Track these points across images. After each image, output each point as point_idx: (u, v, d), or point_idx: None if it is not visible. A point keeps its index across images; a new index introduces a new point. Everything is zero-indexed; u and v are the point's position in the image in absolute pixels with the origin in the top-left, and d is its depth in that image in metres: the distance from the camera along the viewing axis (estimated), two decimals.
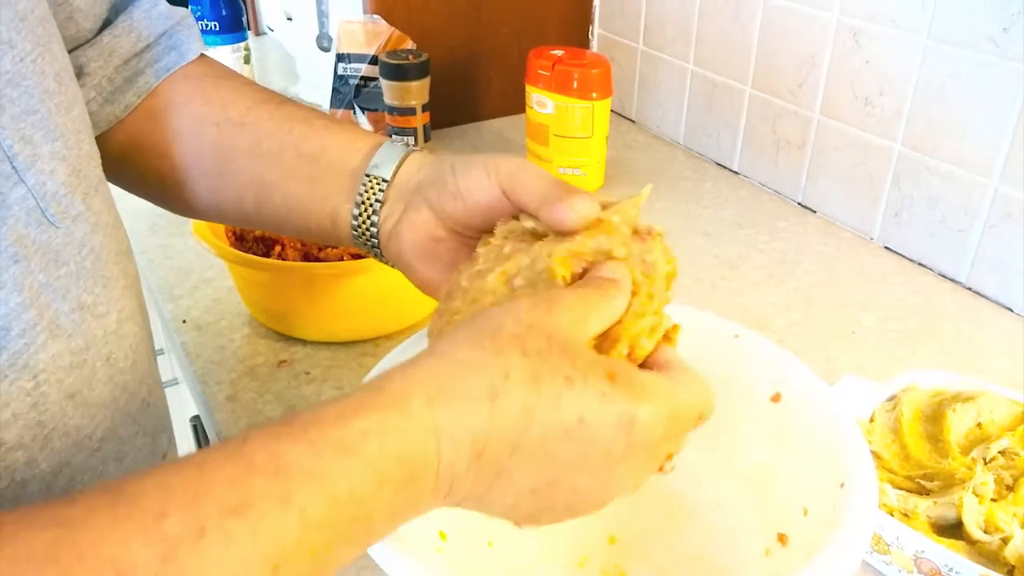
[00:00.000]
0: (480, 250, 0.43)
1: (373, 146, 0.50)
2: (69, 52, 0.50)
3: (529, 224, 0.43)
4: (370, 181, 0.48)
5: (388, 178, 0.48)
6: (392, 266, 0.50)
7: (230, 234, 0.78)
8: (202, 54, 0.56)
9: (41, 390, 0.37)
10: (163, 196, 0.57)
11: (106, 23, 0.52)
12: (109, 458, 0.42)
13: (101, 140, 0.52)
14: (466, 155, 0.46)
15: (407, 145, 0.50)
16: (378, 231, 0.49)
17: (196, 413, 0.88)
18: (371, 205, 0.48)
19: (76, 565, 0.25)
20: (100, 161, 0.45)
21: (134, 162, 0.55)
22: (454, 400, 0.32)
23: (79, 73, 0.50)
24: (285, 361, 0.75)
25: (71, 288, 0.39)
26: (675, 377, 0.37)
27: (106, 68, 0.51)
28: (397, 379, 0.33)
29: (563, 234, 0.41)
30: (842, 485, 0.40)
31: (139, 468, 0.45)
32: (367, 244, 0.50)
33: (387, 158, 0.49)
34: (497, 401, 0.32)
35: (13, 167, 0.36)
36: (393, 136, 1.04)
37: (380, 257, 0.50)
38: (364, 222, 0.49)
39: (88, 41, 0.51)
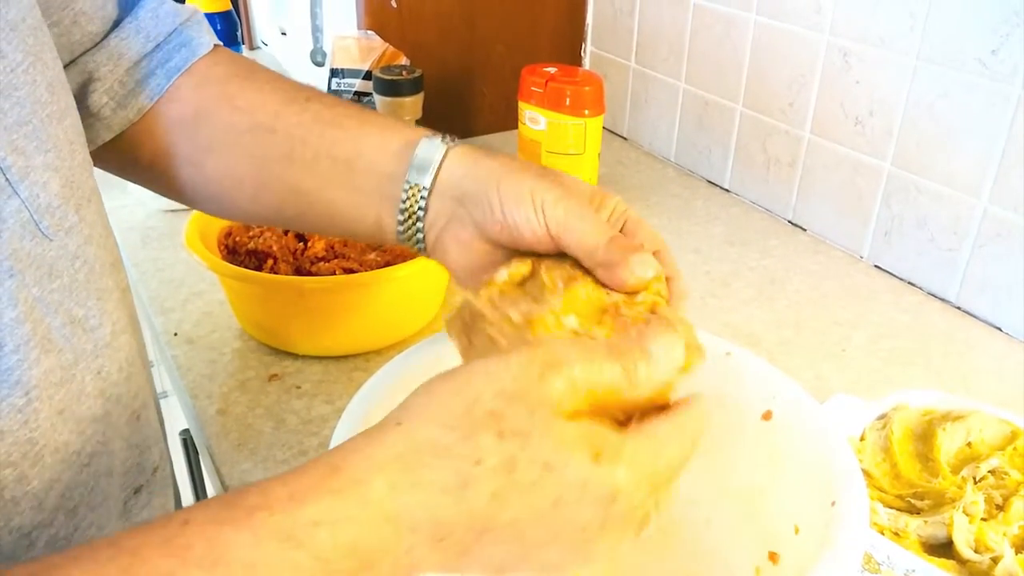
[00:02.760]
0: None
1: (405, 144, 0.48)
2: (77, 57, 0.49)
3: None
4: (411, 189, 0.47)
5: (428, 186, 0.46)
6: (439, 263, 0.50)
7: (222, 247, 0.78)
8: (216, 46, 0.54)
9: (33, 407, 0.37)
10: (203, 204, 0.55)
11: (113, 25, 0.51)
12: (100, 473, 0.42)
13: (132, 149, 0.51)
14: (509, 169, 0.44)
15: (443, 139, 0.48)
16: (424, 236, 0.48)
17: (186, 427, 0.88)
18: (415, 213, 0.47)
19: None
20: (92, 171, 0.44)
21: (168, 172, 0.54)
22: (418, 489, 0.30)
23: (89, 79, 0.50)
24: (276, 375, 0.74)
25: (63, 302, 0.39)
26: (662, 430, 0.34)
27: (116, 71, 0.50)
28: (358, 459, 0.30)
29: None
30: (833, 503, 0.40)
31: (127, 482, 0.45)
32: (415, 247, 0.49)
33: (425, 161, 0.46)
34: (466, 490, 0.30)
35: (7, 179, 0.36)
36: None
37: (427, 256, 0.50)
38: (410, 228, 0.48)
39: (96, 45, 0.50)
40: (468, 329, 0.43)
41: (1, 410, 0.35)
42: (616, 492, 0.32)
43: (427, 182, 0.46)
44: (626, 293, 0.41)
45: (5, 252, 0.35)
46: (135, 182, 0.57)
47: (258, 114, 0.51)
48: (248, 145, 0.51)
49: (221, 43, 0.55)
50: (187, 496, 0.93)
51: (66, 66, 0.48)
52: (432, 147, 0.47)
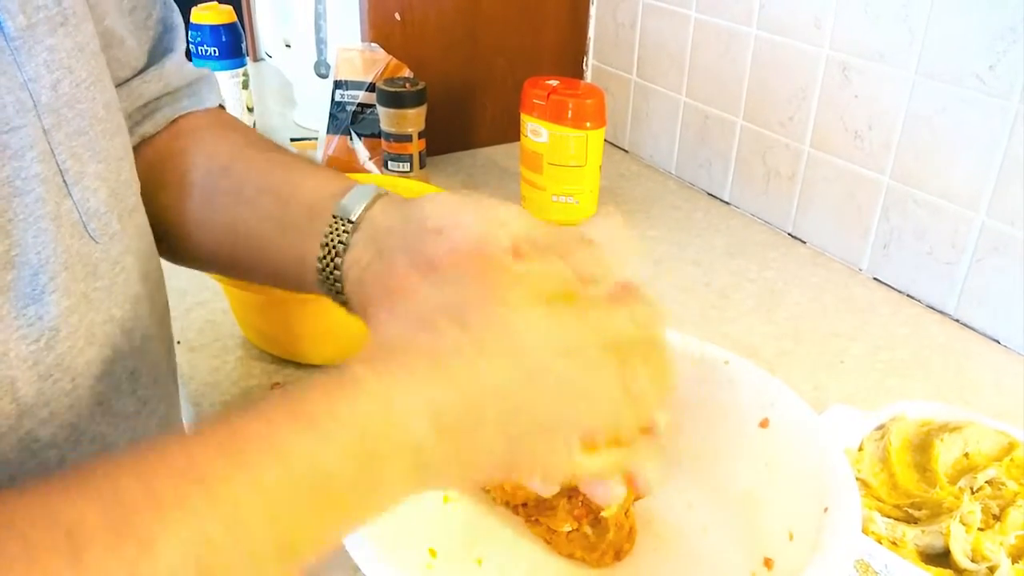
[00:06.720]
0: None
1: (344, 188, 0.47)
2: None
3: None
4: (336, 222, 0.46)
5: (354, 219, 0.46)
6: (356, 314, 0.47)
7: None
8: (220, 105, 0.58)
9: (77, 393, 0.39)
10: (166, 245, 0.56)
11: (138, 72, 0.54)
12: None
13: None
14: (434, 196, 0.44)
15: (377, 190, 0.47)
16: (342, 275, 0.46)
17: None
18: (335, 247, 0.46)
19: (28, 528, 0.26)
20: (138, 189, 0.47)
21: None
22: (399, 372, 0.34)
23: None
24: (279, 384, 0.75)
25: (104, 301, 0.41)
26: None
27: (130, 108, 0.53)
28: (341, 370, 0.34)
29: None
30: (826, 510, 0.41)
31: None
32: (332, 289, 0.47)
33: (356, 200, 0.46)
34: (439, 365, 0.34)
35: (63, 180, 0.39)
36: (388, 163, 1.05)
37: (346, 307, 0.48)
38: (328, 264, 0.46)
39: (119, 86, 0.52)
40: None
41: (54, 392, 0.38)
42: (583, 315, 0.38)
43: (353, 216, 0.46)
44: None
45: (62, 247, 0.38)
46: None
47: (219, 158, 0.53)
48: (200, 184, 0.53)
49: (224, 104, 0.59)
50: None
51: None
52: (366, 190, 0.47)
